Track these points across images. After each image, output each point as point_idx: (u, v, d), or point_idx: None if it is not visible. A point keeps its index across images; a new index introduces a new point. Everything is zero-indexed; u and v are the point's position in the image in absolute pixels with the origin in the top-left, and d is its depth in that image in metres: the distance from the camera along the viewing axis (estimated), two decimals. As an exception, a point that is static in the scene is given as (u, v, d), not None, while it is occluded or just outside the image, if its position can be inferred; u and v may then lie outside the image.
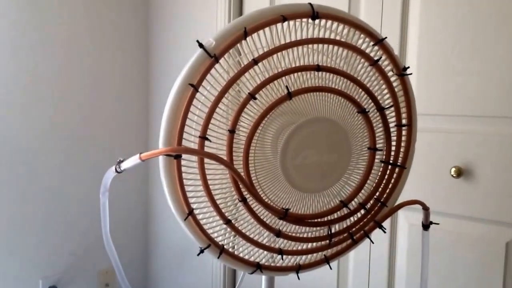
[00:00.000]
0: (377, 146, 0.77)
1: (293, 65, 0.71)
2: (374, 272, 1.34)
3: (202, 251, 0.76)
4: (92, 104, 1.71)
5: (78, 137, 1.68)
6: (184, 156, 0.70)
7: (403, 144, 0.81)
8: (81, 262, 1.71)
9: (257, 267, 0.78)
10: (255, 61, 0.68)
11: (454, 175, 1.15)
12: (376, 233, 0.86)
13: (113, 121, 1.78)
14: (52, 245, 1.62)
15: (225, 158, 0.69)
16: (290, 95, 0.69)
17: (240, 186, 0.71)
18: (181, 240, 1.79)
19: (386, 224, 0.85)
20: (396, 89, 0.79)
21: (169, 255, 1.84)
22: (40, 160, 1.58)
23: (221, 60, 0.67)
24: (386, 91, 0.79)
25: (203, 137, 0.69)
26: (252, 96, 0.68)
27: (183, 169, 0.71)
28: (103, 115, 1.75)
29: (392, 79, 0.79)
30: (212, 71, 0.67)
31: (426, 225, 0.94)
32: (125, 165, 0.74)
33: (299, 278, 0.83)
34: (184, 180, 0.71)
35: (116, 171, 0.75)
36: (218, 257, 0.75)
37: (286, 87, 0.69)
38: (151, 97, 1.89)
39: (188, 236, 0.74)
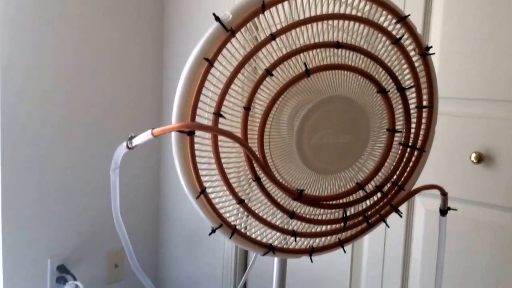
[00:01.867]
0: (396, 127, 0.74)
1: (312, 42, 0.68)
2: (388, 258, 1.32)
3: (213, 231, 0.75)
4: (104, 79, 1.70)
5: (89, 114, 1.67)
6: (197, 133, 0.68)
7: (423, 126, 0.79)
8: (90, 242, 1.71)
9: (270, 249, 0.77)
10: (272, 36, 0.65)
11: (474, 161, 1.12)
12: (392, 218, 0.84)
13: (125, 96, 1.76)
14: (61, 224, 1.63)
15: (239, 136, 0.68)
16: (308, 72, 0.67)
17: (254, 165, 0.69)
18: (193, 220, 1.78)
19: (402, 209, 0.83)
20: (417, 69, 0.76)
21: (180, 236, 1.84)
22: (50, 139, 1.58)
23: (238, 35, 0.65)
24: (407, 71, 0.77)
25: (217, 114, 0.67)
26: (268, 72, 0.66)
27: (196, 146, 0.69)
28: (115, 91, 1.73)
29: (414, 59, 0.77)
30: (228, 45, 0.65)
31: (443, 211, 0.92)
32: (136, 141, 0.72)
33: (312, 261, 0.81)
34: (197, 158, 0.70)
35: (128, 147, 0.74)
36: (230, 237, 0.74)
37: (304, 63, 0.67)
38: (165, 72, 1.87)
39: (200, 215, 0.73)
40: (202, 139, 0.70)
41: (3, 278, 1.49)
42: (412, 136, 0.77)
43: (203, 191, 0.70)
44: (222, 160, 0.70)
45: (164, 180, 1.89)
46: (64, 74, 1.59)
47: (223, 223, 0.73)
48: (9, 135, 1.47)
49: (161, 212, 1.91)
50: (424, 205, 1.26)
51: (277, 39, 0.66)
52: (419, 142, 0.79)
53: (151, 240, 1.92)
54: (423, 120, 0.78)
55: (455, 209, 0.92)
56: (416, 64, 0.76)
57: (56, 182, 1.60)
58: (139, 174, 1.85)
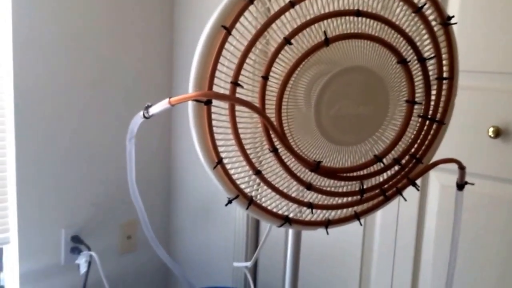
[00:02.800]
0: (416, 99, 0.73)
1: (326, 9, 0.67)
2: (401, 232, 1.32)
3: (230, 202, 0.74)
4: (115, 48, 1.69)
5: (101, 83, 1.66)
6: (214, 103, 0.68)
7: (442, 98, 0.77)
8: (104, 214, 1.73)
9: (286, 220, 0.77)
10: (291, 3, 0.64)
11: (492, 135, 1.11)
12: (406, 193, 0.83)
13: (136, 65, 1.75)
14: (74, 195, 1.64)
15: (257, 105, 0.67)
16: (327, 42, 0.65)
17: (272, 136, 0.69)
18: (204, 192, 1.79)
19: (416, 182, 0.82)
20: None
21: (191, 208, 1.85)
22: (63, 107, 1.58)
23: (256, 2, 0.64)
24: (427, 41, 0.75)
25: (235, 83, 0.66)
26: (287, 41, 0.65)
27: (213, 116, 0.69)
28: (126, 60, 1.72)
29: (435, 29, 0.75)
30: (246, 13, 0.64)
31: (460, 185, 0.91)
32: (153, 110, 0.72)
33: (328, 233, 0.81)
34: (213, 128, 0.69)
35: (144, 116, 0.74)
36: (247, 208, 0.74)
37: (324, 32, 0.65)
38: (176, 36, 1.85)
39: (214, 186, 0.73)
40: (219, 109, 0.69)
41: (19, 249, 1.51)
42: (431, 108, 0.76)
43: (219, 161, 0.70)
44: (239, 131, 0.69)
45: (176, 152, 1.89)
46: (73, 44, 1.57)
47: (239, 194, 0.73)
48: (23, 105, 1.47)
49: (173, 184, 1.92)
50: (439, 181, 1.25)
51: (291, 10, 0.65)
52: (438, 115, 0.78)
53: (162, 212, 1.93)
54: (443, 92, 0.77)
55: (472, 184, 0.91)
56: (437, 34, 0.74)
57: (69, 153, 1.61)
58: (150, 146, 1.85)
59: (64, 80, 1.56)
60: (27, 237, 1.53)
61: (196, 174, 1.81)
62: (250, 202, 0.73)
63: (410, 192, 1.27)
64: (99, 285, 1.58)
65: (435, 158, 0.83)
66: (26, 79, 1.47)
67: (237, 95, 0.67)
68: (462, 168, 0.86)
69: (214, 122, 0.69)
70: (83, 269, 1.60)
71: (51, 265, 1.60)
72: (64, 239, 1.63)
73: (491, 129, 1.11)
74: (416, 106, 0.74)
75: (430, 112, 0.77)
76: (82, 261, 1.62)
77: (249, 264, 1.20)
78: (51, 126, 1.55)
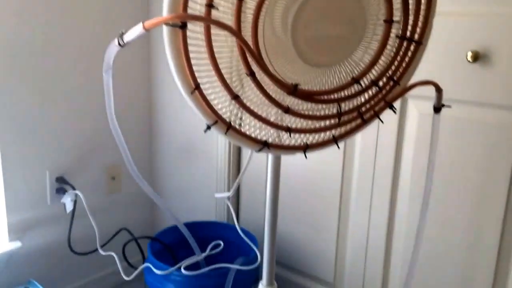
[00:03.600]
0: (394, 19, 0.73)
1: None
2: (380, 158, 1.35)
3: (209, 128, 0.75)
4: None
5: (72, 13, 1.61)
6: (190, 27, 0.66)
7: (421, 19, 0.77)
8: (87, 155, 1.73)
9: (264, 145, 0.78)
10: None
11: (470, 60, 1.11)
12: (385, 120, 0.84)
13: None
14: (57, 136, 1.63)
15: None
16: (303, -42, 0.64)
17: (249, 59, 0.68)
18: (186, 130, 1.79)
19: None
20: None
21: (173, 146, 1.86)
22: (40, 49, 1.54)
23: None
24: (406, -40, 0.73)
25: (210, 5, 0.65)
26: (261, -42, 0.63)
27: (189, 41, 0.67)
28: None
29: None
30: None
31: (437, 108, 0.93)
32: (128, 37, 0.70)
33: (306, 157, 0.83)
34: (190, 53, 0.68)
35: (119, 44, 0.72)
36: (225, 133, 0.74)
37: None
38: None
39: (194, 112, 0.73)
40: (195, 33, 0.68)
41: (4, 191, 1.51)
42: (409, 29, 0.76)
43: (197, 86, 0.70)
44: (216, 55, 0.68)
45: (156, 90, 1.87)
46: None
47: (218, 119, 0.73)
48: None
49: (154, 123, 1.91)
50: (417, 108, 1.27)
51: None
52: (416, 36, 0.77)
53: (144, 152, 1.94)
54: (421, 13, 0.76)
55: (449, 106, 0.93)
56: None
57: (51, 94, 1.58)
58: (129, 85, 1.83)
59: (36, 17, 1.51)
60: (11, 179, 1.53)
61: (178, 111, 1.81)
62: (228, 127, 0.74)
63: (388, 120, 1.30)
64: (86, 223, 1.60)
65: (413, 82, 0.84)
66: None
67: (214, 17, 0.66)
68: (439, 90, 0.88)
69: (190, 48, 0.68)
70: (69, 207, 1.62)
71: (38, 206, 1.61)
72: (49, 180, 1.63)
73: (469, 54, 1.11)
74: (394, 27, 0.74)
75: (408, 33, 0.76)
76: (67, 200, 1.63)
77: (230, 194, 1.23)
78: (29, 67, 1.51)
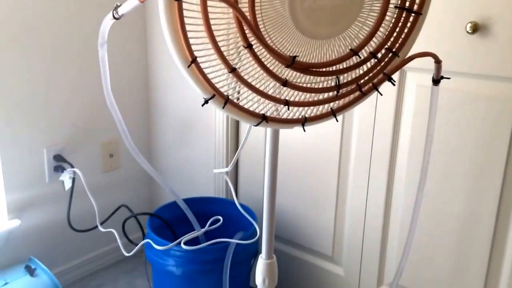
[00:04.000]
0: (393, -12, 0.71)
1: None
2: (378, 131, 1.35)
3: (206, 102, 0.74)
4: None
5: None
6: (185, -1, 0.65)
7: (420, -12, 0.75)
8: (85, 133, 1.72)
9: (263, 119, 0.77)
10: None
11: (470, 31, 1.10)
12: (384, 93, 0.84)
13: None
14: (54, 114, 1.62)
15: None
16: None
17: (246, 31, 0.67)
18: (183, 106, 1.79)
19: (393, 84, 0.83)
20: None
21: (171, 123, 1.85)
22: (36, 24, 1.51)
23: None
24: None
25: (205, -24, 0.63)
26: None
27: (185, 13, 0.66)
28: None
29: None
30: None
31: (436, 80, 0.92)
32: (122, 9, 0.69)
33: (304, 131, 0.82)
34: (186, 26, 0.67)
35: (114, 17, 0.71)
36: (223, 107, 0.74)
37: None
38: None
39: (191, 86, 0.72)
40: (191, 5, 0.67)
41: (2, 169, 1.51)
42: (408, -1, 0.75)
43: (194, 60, 0.69)
44: (212, 28, 0.67)
45: (152, 67, 1.86)
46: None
47: (215, 93, 0.72)
48: (-13, 21, 1.40)
49: (151, 100, 1.90)
50: (415, 80, 1.26)
51: None
52: (416, 7, 0.76)
53: (142, 129, 1.93)
54: (421, -18, 0.75)
55: (448, 78, 0.92)
56: None
57: (47, 72, 1.57)
58: (126, 62, 1.81)
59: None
60: (9, 157, 1.52)
61: (175, 86, 1.79)
62: (226, 101, 0.73)
63: (387, 92, 1.29)
64: (84, 201, 1.60)
65: (412, 54, 0.83)
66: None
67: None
68: (438, 62, 0.87)
69: (186, 20, 0.67)
70: (67, 185, 1.62)
71: (36, 184, 1.61)
72: (47, 158, 1.63)
73: (468, 25, 1.10)
74: (392, -3, 0.73)
75: (407, 3, 0.75)
76: (66, 177, 1.63)
77: (228, 168, 1.23)
78: (25, 41, 1.49)
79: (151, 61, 1.86)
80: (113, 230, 1.35)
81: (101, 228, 1.37)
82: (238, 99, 0.76)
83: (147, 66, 1.87)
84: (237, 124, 1.70)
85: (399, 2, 0.74)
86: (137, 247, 1.26)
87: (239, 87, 0.75)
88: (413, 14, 0.76)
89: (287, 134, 1.52)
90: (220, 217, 1.31)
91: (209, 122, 1.72)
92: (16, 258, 1.58)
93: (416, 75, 1.25)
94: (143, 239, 1.37)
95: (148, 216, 1.51)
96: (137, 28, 1.81)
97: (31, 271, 1.49)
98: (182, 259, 1.36)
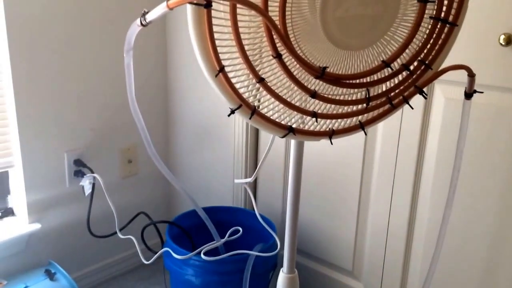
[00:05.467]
0: (428, -1, 0.69)
1: None
2: (403, 144, 1.32)
3: (232, 112, 0.73)
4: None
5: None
6: (214, 6, 0.64)
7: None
8: (104, 138, 1.72)
9: (290, 130, 0.75)
10: None
11: (503, 43, 1.06)
12: (410, 106, 0.81)
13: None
14: (75, 119, 1.62)
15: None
16: None
17: (275, 40, 0.65)
18: (202, 113, 1.78)
19: (420, 97, 0.80)
20: None
21: (190, 130, 1.84)
22: (61, 31, 1.52)
23: None
24: None
25: (235, -17, 0.62)
26: None
27: (213, 21, 0.65)
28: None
29: None
30: None
31: (469, 94, 0.89)
32: (150, 16, 0.68)
33: (332, 143, 0.80)
34: (214, 34, 0.65)
35: (142, 24, 0.70)
36: (250, 118, 0.72)
37: None
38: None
39: (218, 95, 0.71)
40: (219, 12, 0.65)
41: (24, 172, 1.52)
42: (444, 9, 0.72)
43: (221, 69, 0.67)
44: (241, 36, 0.66)
45: (172, 72, 1.85)
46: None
47: (242, 103, 0.71)
48: (16, 28, 1.41)
49: (170, 107, 1.90)
50: (443, 93, 1.23)
51: None
52: (451, 17, 0.74)
53: (161, 135, 1.93)
54: (456, -8, 0.72)
55: (481, 92, 0.89)
56: None
57: (69, 77, 1.57)
58: (145, 68, 1.81)
59: (58, 1, 1.49)
60: (30, 161, 1.53)
61: (194, 94, 1.79)
62: (253, 111, 0.71)
63: (413, 105, 1.26)
64: (103, 206, 1.60)
65: (444, 66, 0.80)
66: (17, 1, 1.40)
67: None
68: (471, 75, 0.84)
69: (215, 28, 0.65)
70: (87, 190, 1.62)
71: (56, 188, 1.62)
72: (67, 162, 1.63)
73: (502, 37, 1.07)
74: (427, 7, 0.70)
75: (442, 14, 0.73)
76: (86, 183, 1.63)
77: (251, 179, 1.21)
78: (48, 49, 1.50)
79: (170, 68, 1.85)
80: (132, 237, 1.34)
81: (120, 235, 1.36)
82: (263, 110, 0.75)
83: (166, 73, 1.87)
84: (257, 133, 1.69)
85: (434, 12, 0.72)
86: (156, 255, 1.25)
87: (266, 98, 0.73)
88: (448, 25, 0.74)
89: (308, 146, 1.49)
90: (240, 228, 1.29)
91: (228, 130, 1.71)
92: (36, 262, 1.59)
93: (445, 88, 1.22)
94: (161, 246, 1.36)
95: (166, 223, 1.50)
96: (157, 34, 1.81)
97: (50, 275, 1.49)
98: (201, 269, 1.34)
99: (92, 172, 1.63)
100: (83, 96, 1.63)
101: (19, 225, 1.55)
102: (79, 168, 1.66)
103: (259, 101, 0.75)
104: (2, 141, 1.48)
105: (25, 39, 1.44)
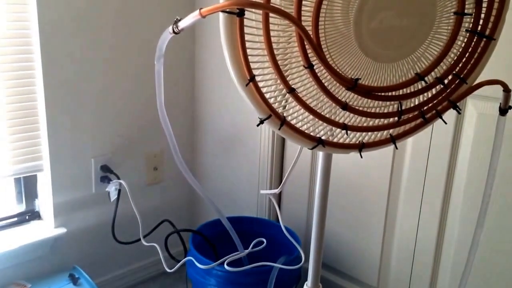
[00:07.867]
0: (465, 11, 0.67)
1: None
2: (433, 160, 1.29)
3: (262, 122, 0.72)
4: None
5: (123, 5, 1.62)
6: (247, 15, 0.63)
7: (494, 12, 0.71)
8: (130, 145, 1.73)
9: (319, 142, 0.74)
10: None
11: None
12: (441, 121, 0.79)
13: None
14: (103, 125, 1.64)
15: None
16: None
17: (308, 50, 0.65)
18: (228, 122, 1.78)
19: (452, 111, 0.78)
20: None
21: (216, 139, 1.85)
22: (89, 39, 1.55)
23: None
24: None
25: (269, -7, 0.62)
26: None
27: (245, 30, 0.65)
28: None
29: None
30: None
31: (504, 110, 0.86)
32: (183, 23, 0.68)
33: (361, 157, 0.78)
34: (246, 43, 0.65)
35: (174, 31, 0.71)
36: (279, 129, 0.71)
37: None
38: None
39: (248, 105, 0.70)
40: (251, 21, 0.65)
41: (51, 177, 1.54)
42: (481, 23, 0.70)
43: (252, 78, 0.67)
44: (273, 46, 0.65)
45: (199, 81, 1.86)
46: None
47: (272, 113, 0.70)
48: (49, 35, 1.44)
49: (197, 115, 1.90)
50: (476, 108, 1.20)
51: None
52: (488, 31, 0.72)
53: (186, 145, 1.93)
54: (495, 5, 0.71)
55: (517, 108, 0.86)
56: None
57: (97, 84, 1.60)
58: (173, 78, 1.83)
59: (88, 8, 1.52)
60: (58, 166, 1.55)
61: (221, 102, 1.79)
62: (282, 122, 0.71)
63: (445, 119, 1.23)
64: (128, 212, 1.61)
65: (479, 80, 0.78)
66: (50, 8, 1.43)
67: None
68: (507, 91, 0.81)
69: (246, 37, 0.65)
70: (113, 196, 1.63)
71: (83, 193, 1.63)
72: (94, 168, 1.65)
73: (538, 52, 1.04)
74: (464, 20, 0.69)
75: (479, 27, 0.71)
76: (112, 189, 1.64)
77: (277, 190, 1.20)
78: (79, 57, 1.53)
79: (197, 76, 1.86)
80: (156, 245, 1.34)
81: (144, 242, 1.36)
82: (292, 121, 0.74)
83: (193, 80, 1.88)
84: (283, 143, 1.68)
85: (470, 25, 0.70)
86: (179, 264, 1.25)
87: (295, 109, 0.72)
88: (484, 39, 0.72)
89: (335, 157, 1.47)
90: (264, 239, 1.28)
91: (254, 139, 1.70)
92: (60, 266, 1.60)
93: (477, 103, 1.19)
94: (184, 254, 1.35)
95: (190, 232, 1.50)
96: (185, 42, 1.82)
97: (74, 280, 1.50)
98: (224, 279, 1.33)
99: (118, 178, 1.65)
100: (111, 102, 1.65)
101: (45, 228, 1.57)
102: (106, 173, 1.68)
103: (284, 107, 0.74)
104: (32, 145, 1.51)
105: (57, 47, 1.47)
